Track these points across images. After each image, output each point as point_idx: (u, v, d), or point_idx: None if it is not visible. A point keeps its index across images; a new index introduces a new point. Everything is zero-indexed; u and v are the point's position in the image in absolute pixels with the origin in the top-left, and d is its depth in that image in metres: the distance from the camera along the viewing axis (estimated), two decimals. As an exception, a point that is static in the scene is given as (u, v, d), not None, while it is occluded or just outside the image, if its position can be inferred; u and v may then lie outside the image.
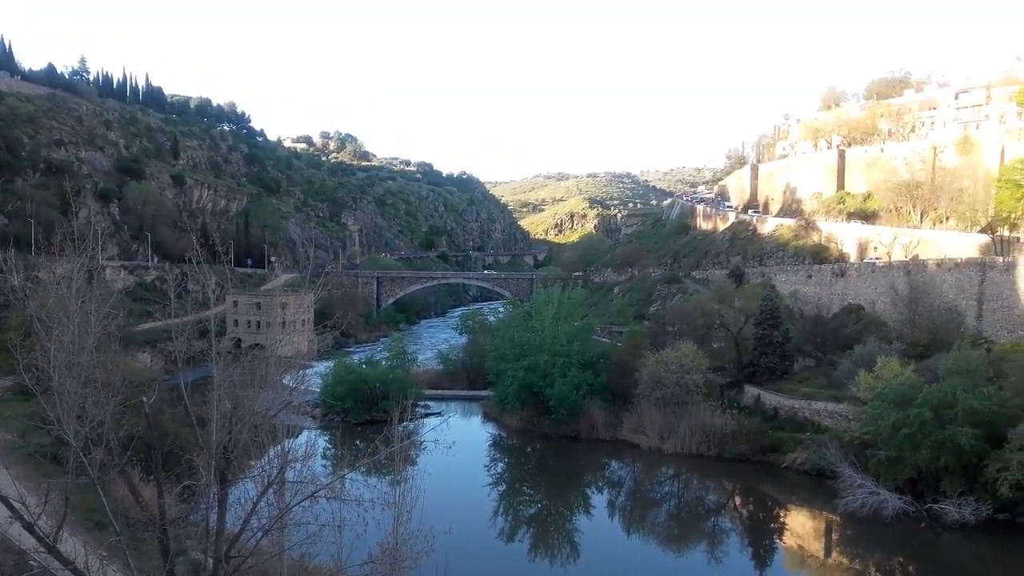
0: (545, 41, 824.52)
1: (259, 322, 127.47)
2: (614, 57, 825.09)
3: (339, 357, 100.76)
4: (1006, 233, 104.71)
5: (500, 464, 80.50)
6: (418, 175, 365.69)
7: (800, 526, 64.56)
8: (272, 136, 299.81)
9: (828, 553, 60.40)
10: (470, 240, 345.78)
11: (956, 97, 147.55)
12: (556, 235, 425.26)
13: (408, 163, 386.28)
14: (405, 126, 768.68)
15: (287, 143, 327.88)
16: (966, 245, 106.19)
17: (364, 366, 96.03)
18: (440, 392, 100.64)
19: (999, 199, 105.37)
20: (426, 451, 61.11)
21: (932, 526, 55.44)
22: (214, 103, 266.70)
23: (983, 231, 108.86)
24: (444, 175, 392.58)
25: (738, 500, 70.86)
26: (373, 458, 21.74)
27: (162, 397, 36.18)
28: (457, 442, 67.88)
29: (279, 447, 20.18)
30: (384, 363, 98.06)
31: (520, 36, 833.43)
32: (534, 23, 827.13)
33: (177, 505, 22.55)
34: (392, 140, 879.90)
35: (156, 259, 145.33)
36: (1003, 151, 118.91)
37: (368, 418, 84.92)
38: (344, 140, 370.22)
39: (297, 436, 22.64)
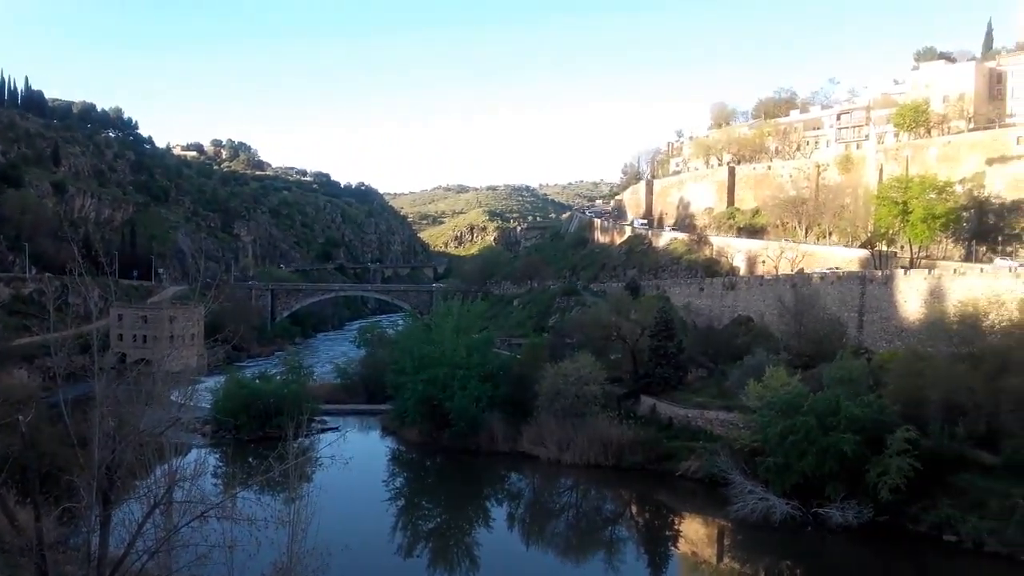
0: (442, 52, 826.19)
1: (145, 336, 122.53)
2: (512, 69, 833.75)
3: (231, 372, 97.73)
4: (884, 248, 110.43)
5: (399, 479, 79.57)
6: (315, 185, 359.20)
7: (694, 533, 66.14)
8: (161, 143, 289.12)
9: (720, 559, 62.06)
10: (369, 252, 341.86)
11: (838, 118, 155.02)
12: (456, 247, 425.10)
13: (305, 173, 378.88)
14: (302, 135, 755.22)
15: (177, 151, 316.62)
16: (848, 259, 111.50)
17: (257, 381, 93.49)
18: (337, 407, 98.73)
19: (878, 216, 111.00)
20: (322, 467, 59.63)
21: (818, 530, 57.62)
22: (99, 108, 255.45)
23: (863, 246, 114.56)
24: (342, 186, 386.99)
25: (634, 509, 72.10)
26: (267, 475, 21.11)
27: (40, 415, 34.26)
28: (355, 457, 66.64)
29: (166, 466, 19.38)
30: (278, 377, 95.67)
31: (416, 47, 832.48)
32: (428, 33, 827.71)
33: (56, 529, 21.38)
34: (288, 149, 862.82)
35: (34, 270, 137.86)
36: (881, 170, 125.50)
37: (262, 434, 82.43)
38: (237, 148, 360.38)
39: (186, 454, 21.72)
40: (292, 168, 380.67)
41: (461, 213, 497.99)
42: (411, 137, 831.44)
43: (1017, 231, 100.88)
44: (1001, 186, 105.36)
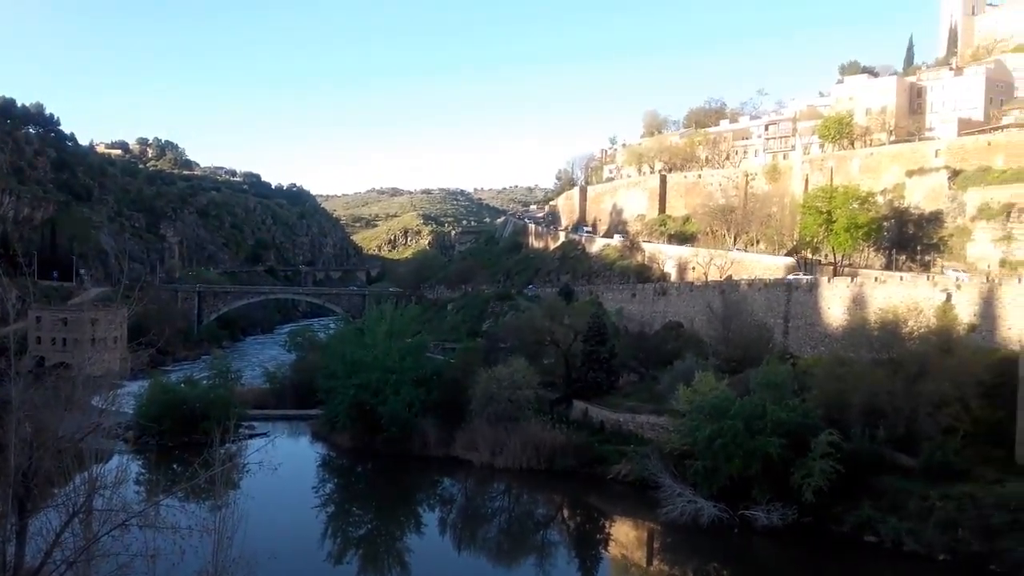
0: (374, 54, 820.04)
1: (65, 339, 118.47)
2: (446, 72, 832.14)
3: (155, 376, 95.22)
4: (809, 256, 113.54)
5: (329, 485, 78.51)
6: (245, 186, 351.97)
7: (624, 536, 66.83)
8: (84, 141, 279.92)
9: (650, 561, 62.86)
10: (300, 254, 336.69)
11: (766, 128, 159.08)
12: (390, 251, 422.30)
13: (234, 173, 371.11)
14: (232, 135, 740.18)
15: (101, 148, 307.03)
16: (774, 267, 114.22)
17: (183, 385, 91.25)
18: (266, 412, 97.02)
19: (803, 224, 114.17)
20: (250, 474, 58.28)
21: (744, 531, 58.75)
22: (19, 104, 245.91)
23: (789, 253, 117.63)
24: (273, 187, 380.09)
25: (566, 512, 72.52)
26: (191, 482, 20.62)
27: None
28: (284, 463, 65.25)
29: (86, 473, 18.73)
30: (205, 382, 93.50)
31: (348, 47, 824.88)
32: (360, 34, 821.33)
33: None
34: (217, 149, 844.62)
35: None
36: (807, 180, 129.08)
37: (187, 440, 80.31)
38: (164, 147, 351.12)
39: (107, 461, 21.03)
40: (221, 168, 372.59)
41: (395, 216, 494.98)
42: (345, 139, 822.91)
43: (935, 240, 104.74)
44: (920, 197, 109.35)
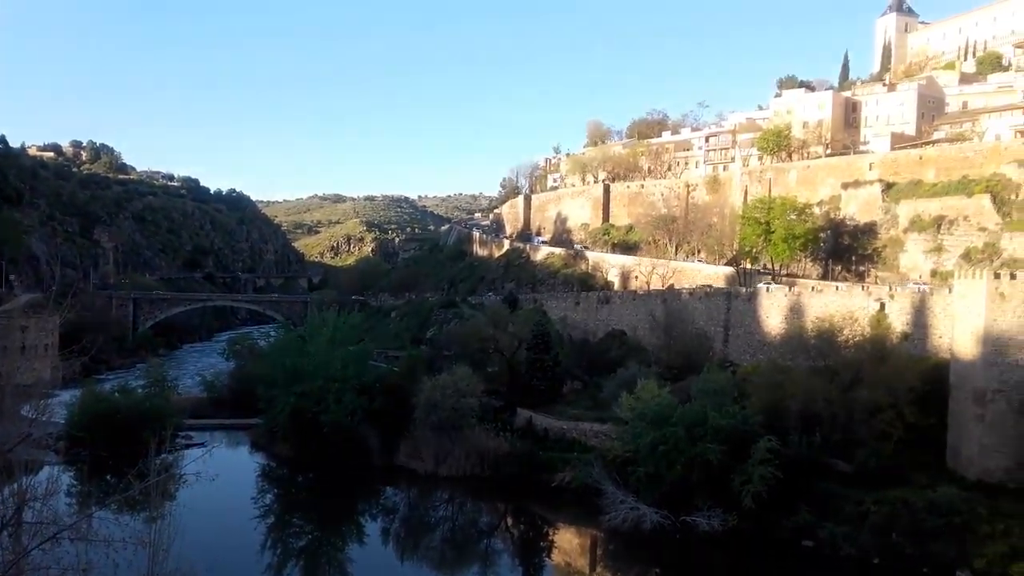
0: (316, 57, 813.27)
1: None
2: (390, 76, 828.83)
3: (88, 385, 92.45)
4: (749, 265, 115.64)
5: (269, 495, 77.04)
6: (183, 191, 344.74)
7: (568, 543, 66.97)
8: (15, 143, 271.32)
9: (593, 568, 63.12)
10: (240, 261, 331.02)
11: (707, 140, 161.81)
12: (332, 258, 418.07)
13: (172, 178, 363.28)
14: (170, 139, 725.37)
15: (32, 151, 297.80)
16: (715, 276, 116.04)
17: (117, 394, 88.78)
18: (204, 421, 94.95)
19: (743, 234, 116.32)
20: (186, 485, 57.02)
21: (686, 537, 59.33)
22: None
23: (729, 263, 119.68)
24: (212, 192, 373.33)
25: (510, 520, 72.41)
26: (126, 494, 20.03)
27: None
28: (222, 474, 63.76)
29: (15, 485, 18.04)
30: (140, 391, 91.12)
31: (288, 50, 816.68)
32: (300, 39, 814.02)
33: None
34: (155, 153, 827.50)
35: None
36: (746, 191, 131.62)
37: (121, 451, 77.96)
38: (99, 150, 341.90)
39: (37, 472, 20.27)
40: (158, 172, 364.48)
41: (338, 223, 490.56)
42: (287, 144, 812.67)
43: (869, 251, 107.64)
44: (855, 209, 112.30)
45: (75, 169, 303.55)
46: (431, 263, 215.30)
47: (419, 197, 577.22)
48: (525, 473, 74.44)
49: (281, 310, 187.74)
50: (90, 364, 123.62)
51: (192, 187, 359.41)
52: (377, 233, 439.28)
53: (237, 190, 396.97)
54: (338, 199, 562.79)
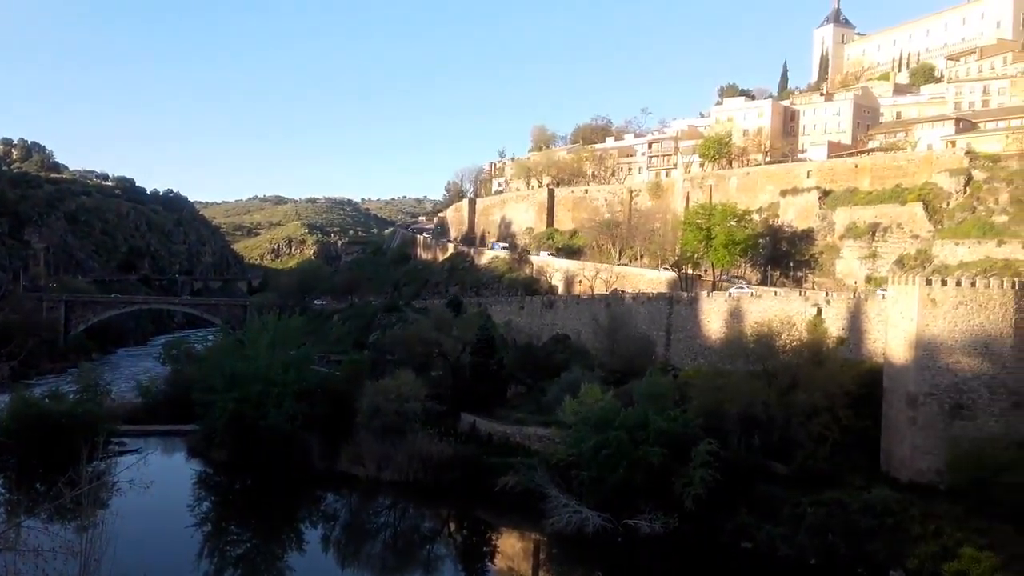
0: (256, 55, 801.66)
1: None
2: (334, 78, 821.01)
3: (17, 390, 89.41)
4: (690, 270, 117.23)
5: (205, 503, 75.27)
6: (118, 191, 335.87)
7: (511, 548, 66.86)
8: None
9: (536, 572, 63.22)
10: (177, 263, 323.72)
11: (649, 146, 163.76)
12: (273, 260, 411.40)
13: (106, 177, 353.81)
14: (104, 138, 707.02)
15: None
16: (657, 281, 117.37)
17: (47, 400, 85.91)
18: (139, 427, 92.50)
19: (684, 240, 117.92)
20: (120, 493, 55.60)
21: (628, 540, 59.70)
22: None
23: (671, 268, 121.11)
24: (148, 192, 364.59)
25: (453, 526, 72.05)
26: (56, 503, 19.35)
27: None
28: (157, 481, 62.22)
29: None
30: (72, 396, 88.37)
31: (227, 50, 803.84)
32: (240, 41, 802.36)
33: None
34: (89, 152, 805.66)
35: None
36: (688, 197, 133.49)
37: (52, 458, 75.56)
38: (30, 148, 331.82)
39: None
40: (92, 172, 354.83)
41: (279, 225, 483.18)
42: (225, 144, 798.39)
43: (807, 257, 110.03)
44: (793, 215, 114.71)
45: (5, 168, 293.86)
46: (374, 266, 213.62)
47: (362, 200, 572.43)
48: (468, 478, 74.09)
49: (220, 314, 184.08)
50: (19, 368, 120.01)
51: (127, 187, 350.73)
52: (319, 236, 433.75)
53: (174, 191, 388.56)
54: (279, 201, 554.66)
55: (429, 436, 76.93)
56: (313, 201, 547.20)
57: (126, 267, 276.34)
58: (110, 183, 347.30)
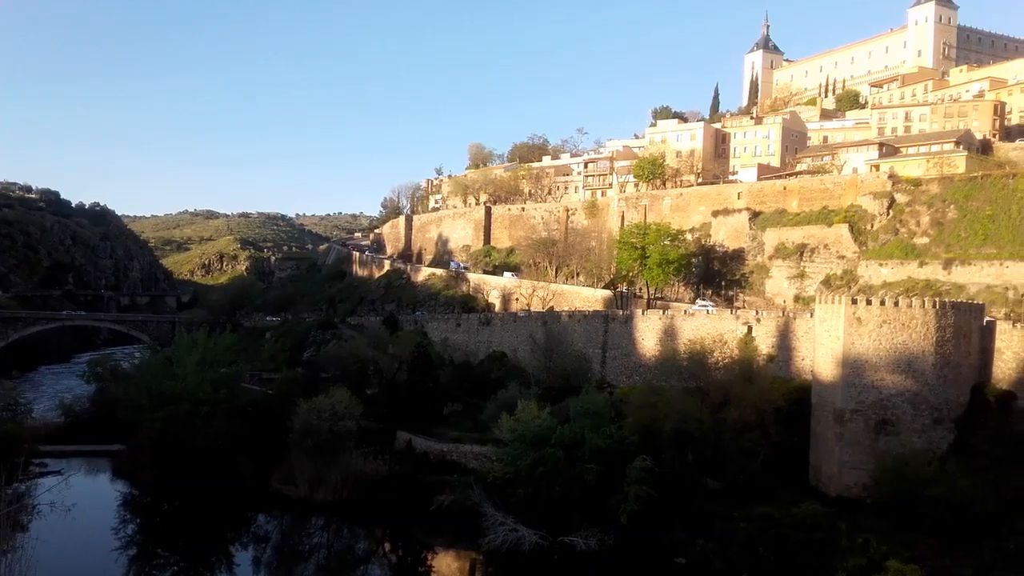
0: (189, 71, 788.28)
1: None
2: (266, 93, 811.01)
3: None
4: (625, 289, 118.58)
5: (131, 525, 72.95)
6: (41, 203, 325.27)
7: (446, 567, 66.34)
8: None
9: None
10: (103, 278, 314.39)
11: (585, 166, 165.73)
12: (204, 276, 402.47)
13: (29, 189, 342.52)
14: (28, 149, 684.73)
15: None
16: (593, 299, 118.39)
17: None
18: (61, 447, 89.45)
19: (619, 259, 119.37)
20: (41, 516, 53.66)
21: (564, 557, 59.74)
22: None
23: (607, 286, 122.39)
24: (74, 205, 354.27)
25: (388, 546, 71.20)
26: (-28, 528, 18.45)
27: None
28: (79, 503, 60.81)
29: None
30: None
31: (157, 64, 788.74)
32: (170, 49, 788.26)
33: None
34: (10, 163, 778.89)
35: None
36: (623, 216, 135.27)
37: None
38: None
39: None
40: (15, 183, 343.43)
41: (210, 240, 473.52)
42: (154, 157, 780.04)
43: (738, 276, 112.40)
44: (724, 236, 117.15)
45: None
46: (309, 283, 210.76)
47: (297, 215, 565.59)
48: (404, 497, 73.28)
49: (147, 330, 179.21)
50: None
51: (52, 200, 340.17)
52: (252, 251, 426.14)
53: (101, 204, 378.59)
54: (210, 215, 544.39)
55: (364, 455, 75.95)
56: (246, 216, 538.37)
57: (50, 282, 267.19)
58: (33, 195, 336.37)
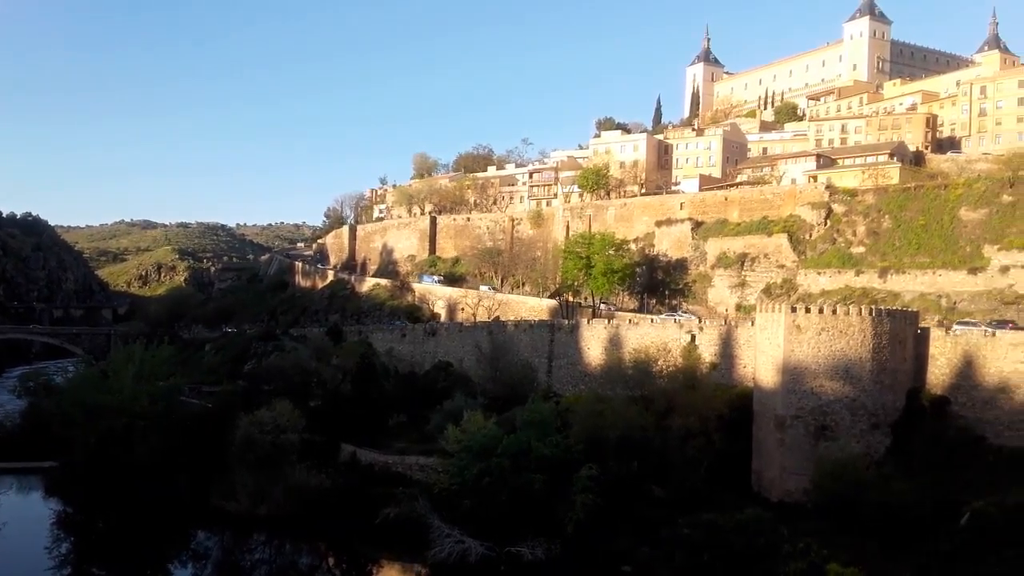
0: (123, 74, 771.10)
1: None
2: (205, 105, 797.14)
3: None
4: (571, 298, 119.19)
5: (64, 544, 70.58)
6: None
7: (392, 581, 65.50)
8: None
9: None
10: (35, 290, 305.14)
11: (530, 176, 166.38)
12: (141, 287, 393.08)
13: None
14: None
15: None
16: (539, 308, 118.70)
17: None
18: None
19: (564, 268, 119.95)
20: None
21: (511, 568, 59.44)
22: None
23: (552, 296, 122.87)
24: (4, 215, 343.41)
25: (332, 560, 70.13)
26: None
27: None
28: (10, 522, 58.54)
29: None
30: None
31: (92, 64, 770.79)
32: (102, 56, 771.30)
33: None
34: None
35: None
36: (568, 226, 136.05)
37: None
38: None
39: None
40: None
41: (147, 251, 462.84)
42: (90, 166, 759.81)
43: (680, 286, 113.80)
44: (668, 245, 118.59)
45: None
46: (250, 294, 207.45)
47: (238, 225, 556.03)
48: (348, 510, 72.22)
49: (82, 343, 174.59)
50: None
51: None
52: (191, 262, 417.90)
53: (33, 214, 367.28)
54: (148, 225, 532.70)
55: (307, 468, 74.68)
56: (185, 226, 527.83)
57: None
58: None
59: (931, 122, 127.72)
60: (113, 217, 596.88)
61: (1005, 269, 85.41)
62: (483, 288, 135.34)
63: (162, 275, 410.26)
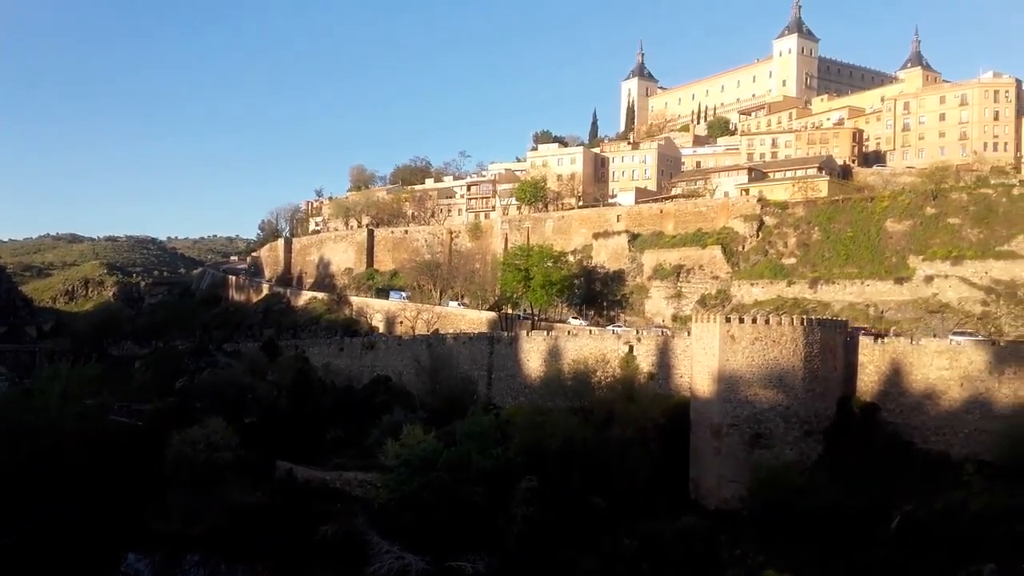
0: (50, 81, 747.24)
1: None
2: (134, 108, 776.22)
3: None
4: (510, 310, 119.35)
5: (-15, 571, 67.78)
6: None
7: (331, 599, 64.29)
8: None
9: (358, 622, 60.91)
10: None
11: (469, 188, 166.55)
12: (67, 303, 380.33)
13: None
14: None
15: None
16: (478, 320, 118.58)
17: None
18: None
19: (503, 280, 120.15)
20: None
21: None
22: None
23: (492, 308, 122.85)
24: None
25: (269, 580, 68.47)
26: None
27: None
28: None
29: None
30: None
31: (13, 71, 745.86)
32: (31, 62, 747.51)
33: None
34: None
35: None
36: (506, 238, 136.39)
37: None
38: None
39: None
40: None
41: (74, 265, 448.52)
42: (12, 177, 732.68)
43: (618, 297, 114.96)
44: (605, 257, 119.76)
45: None
46: (182, 309, 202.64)
47: (168, 238, 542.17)
48: (285, 528, 70.78)
49: (6, 361, 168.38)
50: None
51: None
52: (120, 276, 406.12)
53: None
54: (74, 239, 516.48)
55: (242, 486, 72.94)
56: (113, 240, 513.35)
57: None
58: None
59: (857, 137, 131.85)
60: (38, 231, 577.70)
61: (929, 279, 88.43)
62: (393, 295, 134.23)
63: (89, 290, 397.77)
